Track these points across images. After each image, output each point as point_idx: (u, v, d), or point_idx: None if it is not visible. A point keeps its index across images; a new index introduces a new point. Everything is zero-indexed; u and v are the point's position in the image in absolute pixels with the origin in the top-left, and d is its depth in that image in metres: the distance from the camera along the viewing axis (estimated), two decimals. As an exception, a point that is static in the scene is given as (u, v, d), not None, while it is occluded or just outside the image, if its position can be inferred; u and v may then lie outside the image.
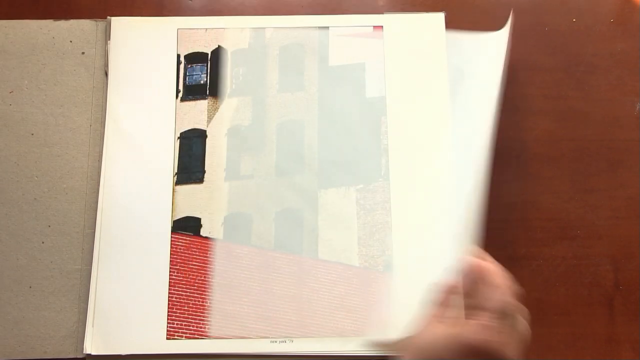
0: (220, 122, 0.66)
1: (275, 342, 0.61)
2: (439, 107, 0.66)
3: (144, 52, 0.67)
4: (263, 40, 0.68)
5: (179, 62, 0.67)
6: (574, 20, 0.71)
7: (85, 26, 0.68)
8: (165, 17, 0.69)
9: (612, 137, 0.68)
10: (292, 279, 0.62)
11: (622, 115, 0.68)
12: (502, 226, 0.65)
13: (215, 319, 0.61)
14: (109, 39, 0.67)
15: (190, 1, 0.71)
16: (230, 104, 0.66)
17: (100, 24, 0.68)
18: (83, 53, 0.68)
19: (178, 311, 0.61)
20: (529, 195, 0.66)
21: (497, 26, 0.70)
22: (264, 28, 0.68)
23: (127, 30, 0.67)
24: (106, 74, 0.67)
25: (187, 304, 0.61)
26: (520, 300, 0.51)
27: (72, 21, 0.68)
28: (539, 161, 0.67)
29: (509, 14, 0.71)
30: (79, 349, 0.61)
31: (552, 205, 0.66)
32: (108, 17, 0.68)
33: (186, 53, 0.67)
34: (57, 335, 0.62)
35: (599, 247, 0.65)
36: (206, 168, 0.65)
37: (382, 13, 0.69)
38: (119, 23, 0.68)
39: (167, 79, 0.66)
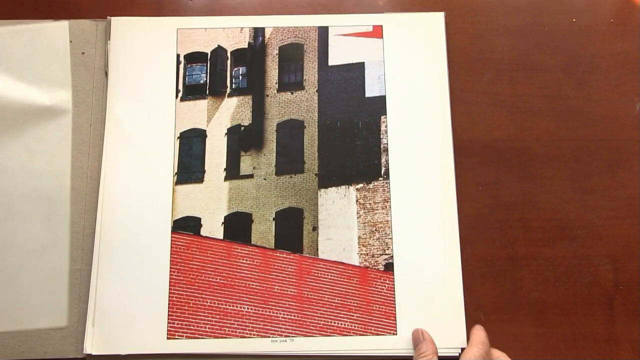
0: (220, 121, 0.66)
1: (276, 341, 0.61)
2: (438, 106, 0.66)
3: (143, 52, 0.67)
4: (263, 40, 0.68)
5: (178, 62, 0.67)
6: (574, 20, 0.71)
7: (85, 26, 0.68)
8: (164, 17, 0.69)
9: (612, 137, 0.67)
10: (293, 278, 0.62)
11: (622, 115, 0.68)
12: (502, 226, 0.65)
13: (216, 319, 0.61)
14: (109, 39, 0.67)
15: (190, 1, 0.71)
16: (230, 103, 0.66)
17: (100, 24, 0.68)
18: (83, 53, 0.68)
19: (178, 311, 0.61)
20: (529, 195, 0.66)
21: (497, 26, 0.70)
22: (264, 27, 0.68)
23: (127, 30, 0.67)
24: (106, 74, 0.67)
25: (188, 303, 0.62)
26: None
27: (72, 21, 0.68)
28: (539, 161, 0.67)
29: (510, 14, 0.71)
30: (79, 349, 0.61)
31: (552, 205, 0.66)
32: (108, 17, 0.68)
33: (186, 53, 0.68)
34: (57, 335, 0.62)
35: (599, 247, 0.65)
36: (206, 168, 0.65)
37: (382, 13, 0.69)
38: (119, 23, 0.68)
39: (166, 78, 0.66)
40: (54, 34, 0.67)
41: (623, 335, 0.63)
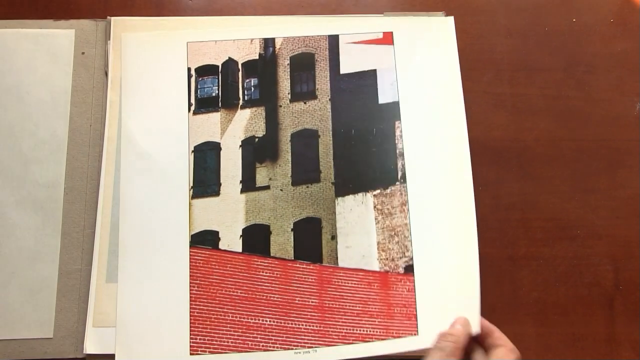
0: (234, 133, 0.65)
1: (299, 352, 0.60)
2: (452, 108, 0.66)
3: (154, 67, 0.66)
4: (273, 51, 0.68)
5: (189, 76, 0.66)
6: (574, 20, 0.71)
7: (85, 26, 0.68)
8: (174, 31, 0.68)
9: (612, 137, 0.68)
10: (313, 289, 0.62)
11: (622, 115, 0.68)
12: (502, 226, 0.65)
13: (238, 333, 0.61)
14: (109, 39, 0.67)
15: (190, 1, 0.71)
16: (243, 115, 0.66)
17: (100, 24, 0.68)
18: (83, 53, 0.67)
19: (200, 326, 0.61)
20: (529, 195, 0.66)
21: (497, 26, 0.70)
22: (274, 38, 0.68)
23: (137, 44, 0.67)
24: (106, 74, 0.67)
25: (209, 318, 0.61)
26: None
27: (72, 21, 0.68)
28: (539, 161, 0.67)
29: (510, 14, 0.71)
30: (79, 349, 0.61)
31: (552, 205, 0.66)
32: (108, 17, 0.68)
33: (197, 66, 0.67)
34: (57, 335, 0.62)
35: (599, 247, 0.65)
36: (222, 180, 0.64)
37: (382, 13, 0.69)
38: (119, 23, 0.68)
39: (178, 92, 0.66)
40: (60, 41, 0.67)
41: (623, 335, 0.63)
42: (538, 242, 0.65)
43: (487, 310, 0.63)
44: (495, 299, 0.64)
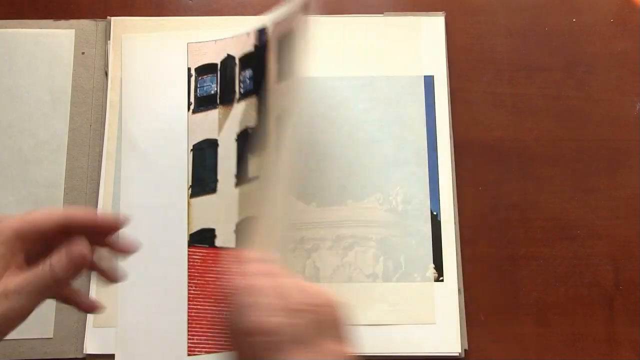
0: (231, 128, 0.65)
1: None
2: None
3: (154, 68, 0.66)
4: (266, 38, 0.67)
5: (189, 75, 0.66)
6: (574, 20, 0.71)
7: (85, 26, 0.68)
8: (174, 32, 0.68)
9: (612, 137, 0.67)
10: None
11: (622, 115, 0.68)
12: (502, 226, 0.65)
13: None
14: (109, 39, 0.67)
15: (190, 1, 0.71)
16: (239, 108, 0.66)
17: (100, 24, 0.68)
18: (83, 53, 0.68)
19: (197, 326, 0.61)
20: (529, 195, 0.66)
21: (497, 26, 0.70)
22: (266, 27, 0.67)
23: (137, 46, 0.67)
24: (106, 74, 0.67)
25: (206, 317, 0.61)
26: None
27: (72, 21, 0.68)
28: (539, 161, 0.67)
29: (510, 14, 0.71)
30: (78, 349, 0.61)
31: (552, 205, 0.66)
32: (108, 17, 0.68)
33: (196, 66, 0.67)
34: (57, 335, 0.62)
35: (599, 247, 0.65)
36: (218, 177, 0.64)
37: (382, 13, 0.69)
38: (119, 23, 0.68)
39: (178, 93, 0.66)
40: (60, 41, 0.67)
41: (623, 335, 0.63)
42: (538, 242, 0.65)
43: (488, 310, 0.63)
44: (495, 299, 0.64)
